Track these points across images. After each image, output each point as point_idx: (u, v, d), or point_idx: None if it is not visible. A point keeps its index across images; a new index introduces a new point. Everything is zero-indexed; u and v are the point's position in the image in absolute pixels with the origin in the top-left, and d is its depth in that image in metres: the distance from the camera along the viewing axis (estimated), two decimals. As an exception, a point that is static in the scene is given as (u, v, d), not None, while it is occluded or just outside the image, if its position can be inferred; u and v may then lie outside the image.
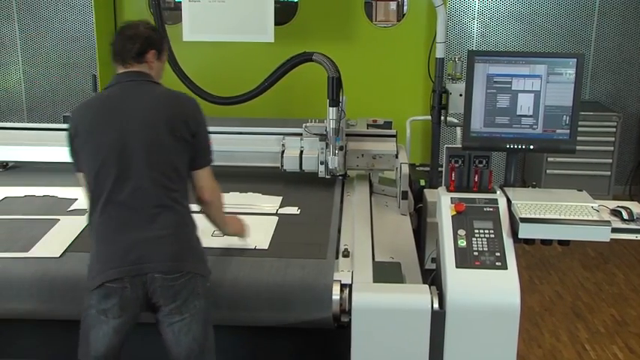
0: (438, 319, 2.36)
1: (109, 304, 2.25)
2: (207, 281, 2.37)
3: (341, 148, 3.49)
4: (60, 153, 3.70)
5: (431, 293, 2.39)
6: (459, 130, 3.96)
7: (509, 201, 2.60)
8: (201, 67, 5.13)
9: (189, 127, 2.39)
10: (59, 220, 3.00)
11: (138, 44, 2.44)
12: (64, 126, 4.09)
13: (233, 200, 3.18)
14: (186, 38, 4.84)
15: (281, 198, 3.36)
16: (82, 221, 2.98)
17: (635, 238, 2.55)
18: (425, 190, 3.41)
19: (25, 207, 3.21)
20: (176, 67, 4.28)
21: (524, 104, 2.70)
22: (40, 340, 2.74)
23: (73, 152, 2.43)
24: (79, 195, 3.33)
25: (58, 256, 2.65)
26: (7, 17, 6.27)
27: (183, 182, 2.41)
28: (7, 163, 3.91)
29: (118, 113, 2.36)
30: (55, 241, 2.77)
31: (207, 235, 2.69)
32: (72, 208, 3.18)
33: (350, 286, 2.45)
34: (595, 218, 2.47)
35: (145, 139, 2.32)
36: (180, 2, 5.06)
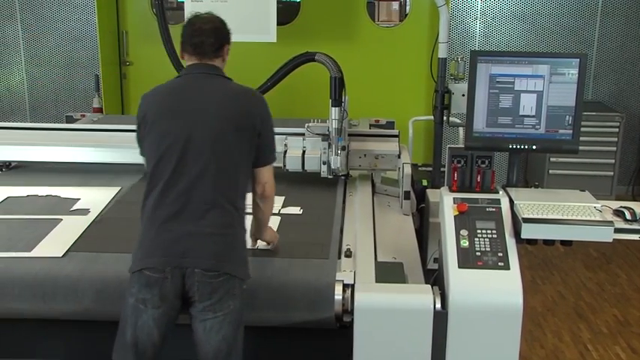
0: (440, 319, 2.36)
1: (149, 294, 2.24)
2: (245, 284, 2.35)
3: (343, 148, 3.48)
4: (62, 153, 3.74)
5: (433, 293, 2.38)
6: (461, 130, 3.96)
7: (511, 201, 2.60)
8: (204, 66, 5.13)
9: (255, 127, 2.39)
10: (62, 219, 3.00)
11: (218, 39, 2.45)
12: (67, 126, 4.14)
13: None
14: (188, 38, 4.84)
15: (283, 198, 3.35)
16: (84, 221, 3.00)
17: (637, 238, 2.54)
18: (427, 190, 3.41)
19: (27, 207, 3.20)
20: (179, 67, 4.28)
21: (527, 104, 2.70)
22: (42, 340, 2.73)
23: (140, 138, 2.43)
24: (81, 195, 3.34)
25: (61, 255, 2.64)
26: (10, 17, 6.28)
27: (240, 183, 2.39)
28: (9, 162, 3.91)
29: (186, 104, 2.37)
30: (58, 241, 2.76)
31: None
32: (74, 207, 3.18)
33: (352, 286, 2.44)
34: (598, 218, 2.47)
35: (210, 134, 2.32)
36: (183, 2, 5.08)
